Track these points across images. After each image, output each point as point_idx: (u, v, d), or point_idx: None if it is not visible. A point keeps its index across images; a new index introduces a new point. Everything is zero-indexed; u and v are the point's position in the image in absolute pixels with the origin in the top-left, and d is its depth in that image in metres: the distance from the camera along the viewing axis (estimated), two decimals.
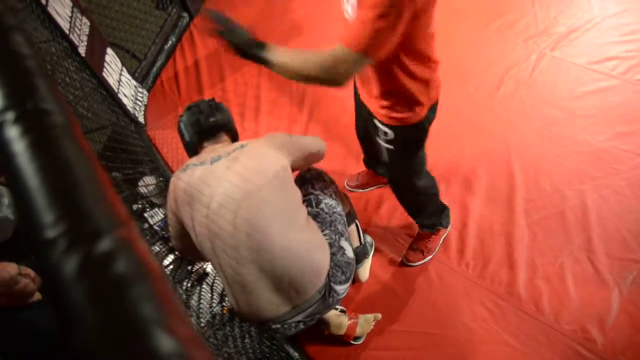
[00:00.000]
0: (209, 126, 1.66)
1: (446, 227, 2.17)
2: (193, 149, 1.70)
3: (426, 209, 2.03)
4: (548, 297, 2.01)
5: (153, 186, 2.27)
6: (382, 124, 1.52)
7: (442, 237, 2.19)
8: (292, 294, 1.48)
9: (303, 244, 1.48)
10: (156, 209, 2.34)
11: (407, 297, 2.11)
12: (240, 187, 1.42)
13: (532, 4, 2.93)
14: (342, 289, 1.61)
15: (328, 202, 1.71)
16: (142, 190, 2.28)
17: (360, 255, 2.05)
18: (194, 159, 1.58)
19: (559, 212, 2.20)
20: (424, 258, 2.16)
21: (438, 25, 1.28)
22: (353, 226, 2.01)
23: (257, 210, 1.41)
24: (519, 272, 2.08)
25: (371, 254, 2.19)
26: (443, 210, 2.10)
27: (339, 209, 1.73)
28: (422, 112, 1.47)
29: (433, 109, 1.52)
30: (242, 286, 1.46)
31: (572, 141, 2.39)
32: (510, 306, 2.01)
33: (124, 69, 2.80)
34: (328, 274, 1.54)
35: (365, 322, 1.96)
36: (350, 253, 1.66)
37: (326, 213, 1.67)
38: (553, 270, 2.07)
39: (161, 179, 2.42)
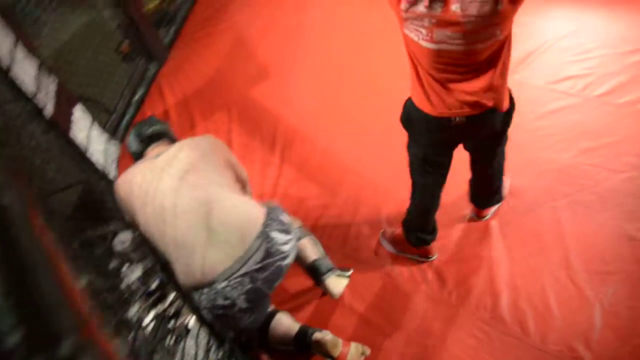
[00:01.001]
0: (150, 134, 1.94)
1: None
2: (139, 157, 1.96)
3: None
4: (533, 319, 2.02)
5: (129, 242, 2.23)
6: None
7: None
8: (233, 243, 1.62)
9: (239, 200, 1.74)
10: (134, 265, 2.30)
11: (394, 329, 2.09)
12: (186, 162, 1.72)
13: None
14: (281, 237, 1.71)
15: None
16: (118, 247, 2.24)
17: (323, 267, 2.08)
18: (138, 162, 1.88)
19: (535, 232, 2.24)
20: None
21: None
22: (306, 239, 2.10)
23: (199, 179, 1.71)
24: (502, 296, 2.09)
25: (346, 273, 2.18)
26: None
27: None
28: None
29: None
30: (190, 248, 1.63)
31: (540, 161, 2.45)
32: (497, 331, 2.01)
33: (94, 123, 2.79)
34: (264, 225, 1.68)
35: (356, 351, 1.97)
36: (286, 219, 1.81)
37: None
38: (535, 291, 2.09)
39: (137, 233, 2.38)
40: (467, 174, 2.18)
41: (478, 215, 2.31)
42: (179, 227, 1.66)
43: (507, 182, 2.31)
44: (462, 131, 1.72)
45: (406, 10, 1.42)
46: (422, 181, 2.01)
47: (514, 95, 1.75)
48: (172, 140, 2.00)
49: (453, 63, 1.51)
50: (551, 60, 2.83)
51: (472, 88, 1.56)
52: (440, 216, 2.35)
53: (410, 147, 1.92)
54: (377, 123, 2.75)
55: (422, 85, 1.63)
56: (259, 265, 1.64)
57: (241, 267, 1.61)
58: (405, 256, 2.28)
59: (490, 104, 1.61)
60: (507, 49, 1.54)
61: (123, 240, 2.24)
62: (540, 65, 2.82)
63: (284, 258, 1.71)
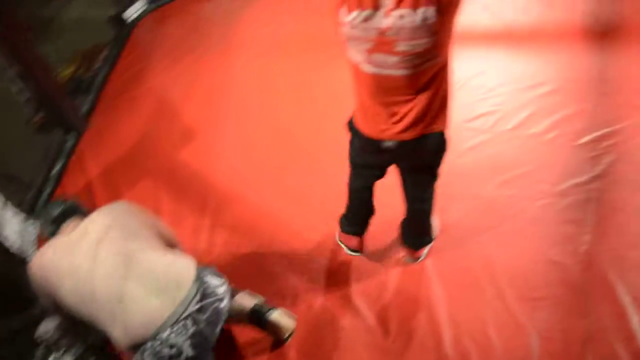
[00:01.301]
0: (58, 214, 1.89)
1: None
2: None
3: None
4: (476, 353, 2.05)
5: (52, 330, 2.08)
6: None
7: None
8: (172, 289, 1.61)
9: (165, 252, 1.76)
10: (61, 352, 2.15)
11: None
12: (101, 229, 1.71)
13: None
14: (214, 281, 1.73)
15: None
16: (43, 336, 2.09)
17: (265, 307, 2.08)
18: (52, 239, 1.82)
19: (467, 267, 2.31)
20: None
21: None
22: (242, 293, 2.09)
23: (117, 239, 1.69)
24: (444, 335, 2.12)
25: (289, 322, 2.15)
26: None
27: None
28: None
29: None
30: (125, 305, 1.59)
31: (464, 197, 2.56)
32: None
33: (7, 204, 2.64)
34: (197, 270, 1.70)
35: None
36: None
37: None
38: (475, 326, 2.13)
39: (62, 317, 2.23)
40: (400, 217, 2.23)
41: (412, 257, 2.36)
42: (107, 290, 1.62)
43: (436, 222, 2.38)
44: (392, 155, 1.77)
45: (344, 26, 1.46)
46: (352, 183, 2.13)
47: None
48: (84, 214, 1.95)
49: (388, 87, 1.55)
50: (464, 99, 3.00)
51: (405, 114, 1.61)
52: (376, 261, 2.39)
53: (349, 146, 1.96)
54: (306, 177, 2.79)
55: (360, 105, 1.70)
56: (198, 306, 1.64)
57: (184, 311, 1.61)
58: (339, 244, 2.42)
59: (422, 131, 1.65)
60: (442, 78, 1.58)
61: (47, 329, 2.09)
62: (454, 104, 2.97)
63: (221, 300, 1.72)
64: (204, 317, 1.66)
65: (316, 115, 3.15)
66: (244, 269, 2.43)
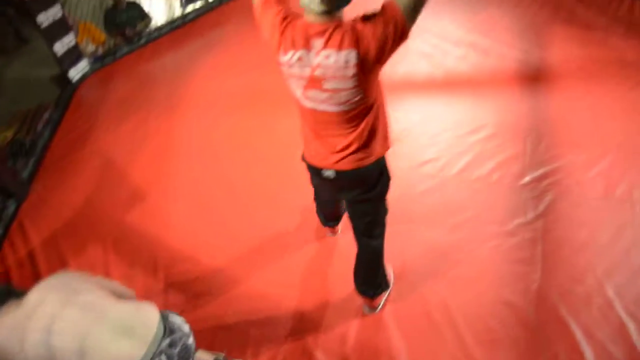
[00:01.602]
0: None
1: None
2: None
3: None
4: None
5: None
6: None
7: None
8: (140, 328, 1.55)
9: (127, 302, 1.66)
10: None
11: None
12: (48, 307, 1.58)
13: None
14: (178, 319, 1.68)
15: None
16: None
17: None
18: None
19: (425, 314, 2.32)
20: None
21: None
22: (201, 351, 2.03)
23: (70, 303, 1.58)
24: None
25: None
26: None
27: None
28: None
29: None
30: (91, 351, 1.51)
31: (417, 242, 2.60)
32: None
33: None
34: (160, 311, 1.64)
35: None
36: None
37: None
38: None
39: None
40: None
41: (370, 307, 2.35)
42: (66, 346, 1.53)
43: (390, 270, 2.40)
44: (333, 184, 1.87)
45: (283, 66, 1.59)
46: (316, 198, 2.37)
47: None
48: (19, 295, 1.84)
49: (324, 121, 1.68)
50: (410, 146, 3.11)
51: (340, 146, 1.72)
52: (335, 313, 2.36)
53: None
54: (260, 231, 2.77)
55: (305, 136, 1.84)
56: (168, 340, 1.61)
57: (157, 348, 1.56)
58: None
59: (355, 164, 1.75)
60: (374, 116, 1.68)
61: None
62: (401, 152, 3.07)
63: (188, 336, 1.68)
64: (175, 351, 1.62)
65: (265, 167, 3.17)
66: (202, 327, 2.34)
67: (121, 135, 3.63)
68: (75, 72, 4.46)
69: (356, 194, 1.91)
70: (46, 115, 4.01)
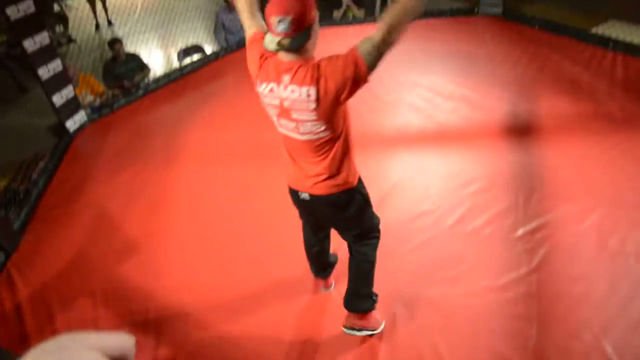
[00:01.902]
0: None
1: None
2: None
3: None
4: None
5: None
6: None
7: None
8: None
9: None
10: None
11: None
12: None
13: None
14: None
15: None
16: None
17: None
18: None
19: None
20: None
21: None
22: None
23: None
24: None
25: None
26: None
27: None
28: None
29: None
30: None
31: (413, 297, 2.57)
32: None
33: None
34: None
35: None
36: None
37: None
38: None
39: None
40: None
41: (353, 327, 2.33)
42: None
43: (378, 317, 2.40)
44: (310, 207, 2.02)
45: (260, 95, 1.78)
46: (303, 234, 2.39)
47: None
48: (5, 357, 1.79)
49: (296, 147, 1.86)
50: (404, 199, 3.13)
51: (313, 173, 1.88)
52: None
53: None
54: (256, 288, 2.73)
55: (284, 159, 1.97)
56: None
57: None
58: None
59: (327, 190, 1.90)
60: (341, 147, 1.83)
61: None
62: (395, 205, 3.10)
63: None
64: None
65: (261, 221, 3.17)
66: None
67: (117, 187, 3.64)
68: (73, 123, 4.51)
69: (331, 214, 2.05)
70: (41, 165, 4.03)
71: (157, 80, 5.41)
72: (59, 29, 7.84)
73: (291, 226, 2.65)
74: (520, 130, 3.78)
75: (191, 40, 6.27)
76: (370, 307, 2.33)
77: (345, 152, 1.87)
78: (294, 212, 2.24)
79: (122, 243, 3.08)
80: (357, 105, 4.09)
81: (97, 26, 8.39)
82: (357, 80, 1.61)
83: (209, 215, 3.30)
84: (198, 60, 5.85)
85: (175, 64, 5.97)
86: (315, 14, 1.63)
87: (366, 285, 2.29)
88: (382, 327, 2.39)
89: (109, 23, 8.55)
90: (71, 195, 3.61)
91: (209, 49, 6.26)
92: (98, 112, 4.81)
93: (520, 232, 2.88)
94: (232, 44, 6.05)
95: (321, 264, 2.54)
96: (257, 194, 3.42)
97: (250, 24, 1.83)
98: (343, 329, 2.34)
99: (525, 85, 4.40)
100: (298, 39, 1.60)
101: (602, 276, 2.60)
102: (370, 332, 2.35)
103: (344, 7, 6.57)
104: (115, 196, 3.54)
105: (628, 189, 3.11)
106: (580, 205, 3.02)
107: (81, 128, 4.57)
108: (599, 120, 3.80)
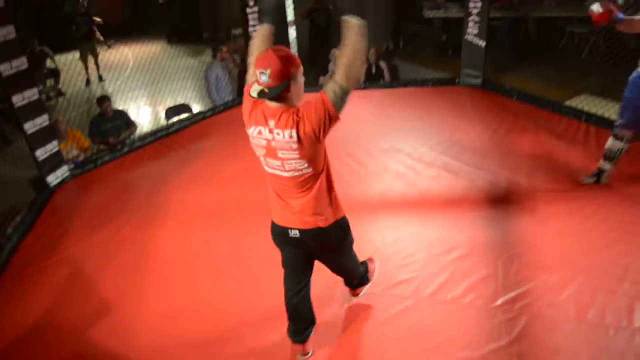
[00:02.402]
0: None
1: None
2: None
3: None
4: None
5: None
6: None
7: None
8: None
9: None
10: None
11: None
12: None
13: None
14: None
15: None
16: None
17: None
18: None
19: None
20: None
21: None
22: None
23: None
24: None
25: None
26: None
27: None
28: None
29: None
30: None
31: None
32: None
33: None
34: None
35: None
36: None
37: None
38: None
39: None
40: None
41: (353, 294, 2.84)
42: None
43: (373, 265, 2.89)
44: (300, 243, 2.18)
45: (250, 137, 1.99)
46: (284, 286, 2.40)
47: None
48: None
49: (282, 184, 2.06)
50: (384, 266, 3.11)
51: (299, 208, 2.07)
52: None
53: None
54: (235, 352, 2.64)
55: (271, 199, 2.15)
56: None
57: None
58: None
59: (317, 224, 2.10)
60: (324, 183, 2.06)
61: None
62: (377, 271, 3.07)
63: None
64: None
65: (241, 283, 3.12)
66: None
67: (94, 245, 3.58)
68: (55, 178, 4.49)
69: (323, 251, 2.27)
70: (18, 219, 3.96)
71: (144, 137, 5.45)
72: (50, 83, 7.95)
73: (273, 289, 2.61)
74: (500, 199, 3.84)
75: (180, 100, 6.39)
76: (365, 281, 2.79)
77: (329, 187, 2.11)
78: (280, 272, 2.22)
79: (96, 304, 2.98)
80: (341, 171, 4.20)
81: (88, 82, 8.53)
82: (330, 121, 1.88)
83: (187, 275, 3.24)
84: (185, 120, 5.94)
85: (163, 121, 6.04)
86: (296, 71, 1.88)
87: (358, 277, 2.70)
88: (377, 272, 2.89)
89: (100, 79, 8.71)
90: (46, 252, 3.53)
91: (196, 109, 6.37)
92: (81, 167, 4.80)
93: (500, 301, 2.86)
94: (220, 104, 6.14)
95: (301, 319, 2.48)
96: (237, 254, 3.39)
97: (252, 73, 2.06)
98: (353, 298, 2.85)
99: (504, 154, 4.52)
100: (276, 89, 1.83)
101: (582, 349, 2.56)
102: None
103: (330, 73, 6.80)
104: (91, 254, 3.47)
105: (606, 258, 3.14)
106: (559, 275, 3.02)
107: (63, 183, 4.54)
108: (577, 190, 3.89)
